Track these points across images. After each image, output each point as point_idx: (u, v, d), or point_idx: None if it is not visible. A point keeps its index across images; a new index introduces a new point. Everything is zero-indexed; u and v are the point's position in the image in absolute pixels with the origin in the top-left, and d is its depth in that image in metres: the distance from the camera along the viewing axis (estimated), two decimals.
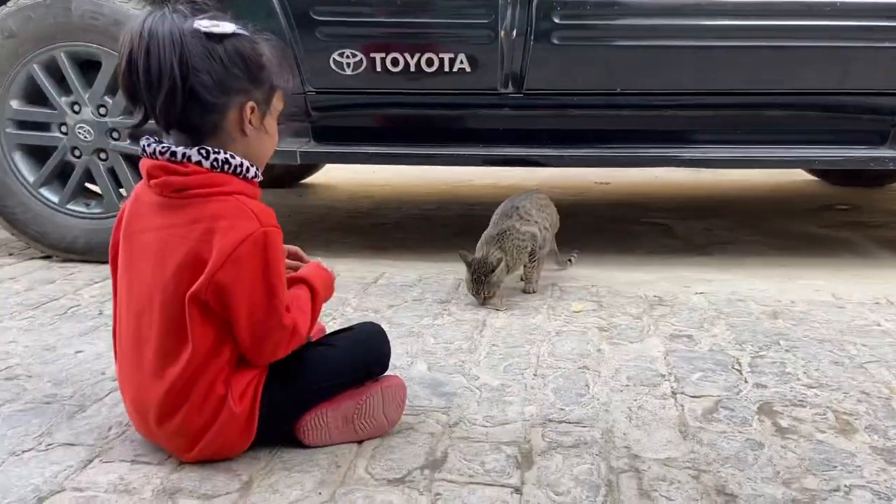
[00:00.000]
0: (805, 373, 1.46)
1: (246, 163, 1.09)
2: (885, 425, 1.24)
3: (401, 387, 1.23)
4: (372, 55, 2.19)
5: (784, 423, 1.25)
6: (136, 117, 1.08)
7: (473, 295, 1.89)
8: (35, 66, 2.18)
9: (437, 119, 2.38)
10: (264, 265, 1.04)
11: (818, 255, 2.46)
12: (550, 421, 1.26)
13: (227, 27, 1.05)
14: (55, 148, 2.24)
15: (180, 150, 1.05)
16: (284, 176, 3.95)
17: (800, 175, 4.16)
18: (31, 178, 2.27)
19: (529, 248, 1.97)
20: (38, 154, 2.28)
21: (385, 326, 1.71)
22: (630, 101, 2.24)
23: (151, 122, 1.08)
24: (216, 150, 1.06)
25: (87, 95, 2.19)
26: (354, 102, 2.32)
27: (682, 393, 1.37)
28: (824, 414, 1.28)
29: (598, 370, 1.48)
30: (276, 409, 1.12)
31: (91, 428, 1.21)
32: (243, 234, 1.02)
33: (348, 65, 2.21)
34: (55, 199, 2.29)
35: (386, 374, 1.25)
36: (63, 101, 2.21)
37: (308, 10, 2.15)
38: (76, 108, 2.21)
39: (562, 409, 1.30)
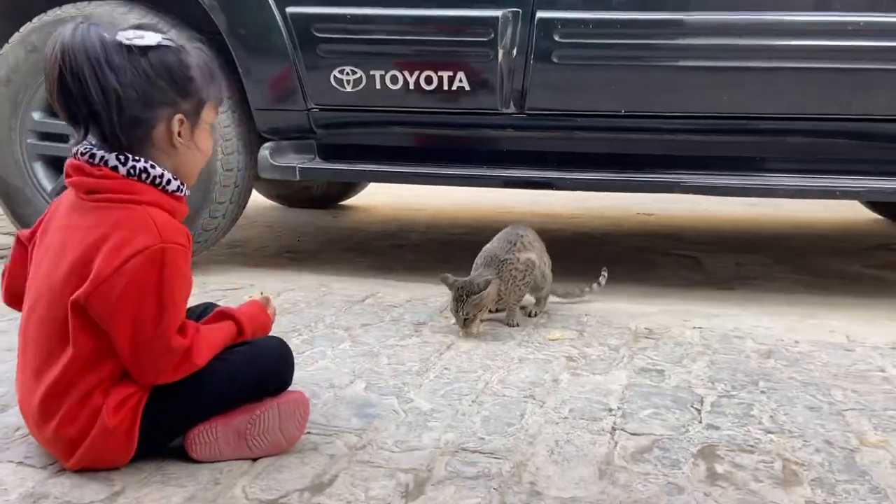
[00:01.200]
0: (771, 417, 1.31)
1: (168, 175, 1.07)
2: (836, 479, 1.08)
3: (301, 402, 1.17)
4: (371, 72, 2.19)
5: (720, 468, 1.12)
6: (78, 134, 1.07)
7: (454, 314, 1.79)
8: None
9: (440, 139, 2.34)
10: (157, 282, 1.00)
11: (851, 296, 2.24)
12: (464, 450, 1.17)
13: (151, 38, 1.05)
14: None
15: (99, 153, 1.04)
16: (323, 197, 4.00)
17: (862, 212, 3.86)
18: (48, 187, 2.37)
19: (527, 279, 1.86)
20: (56, 164, 2.38)
21: (347, 345, 1.70)
22: (636, 123, 2.13)
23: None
24: (136, 157, 1.05)
25: None
26: (356, 120, 2.31)
27: (623, 430, 1.25)
28: (771, 462, 1.13)
29: (543, 400, 1.38)
30: (161, 424, 1.08)
31: (1, 427, 1.21)
32: (138, 247, 1.00)
33: (348, 82, 2.21)
34: None
35: (288, 389, 1.20)
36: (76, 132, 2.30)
37: (309, 27, 2.17)
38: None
39: (481, 439, 1.21)
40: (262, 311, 1.23)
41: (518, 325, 1.86)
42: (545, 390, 1.43)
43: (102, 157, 1.04)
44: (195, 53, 1.11)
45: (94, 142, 1.07)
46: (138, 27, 1.07)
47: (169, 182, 1.07)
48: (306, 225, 3.52)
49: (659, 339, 1.77)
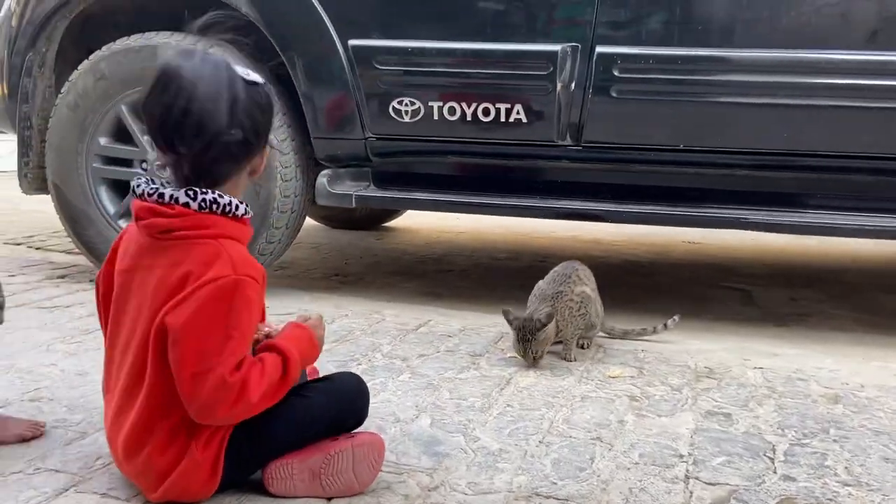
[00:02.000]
0: (846, 468, 1.28)
1: (235, 201, 1.09)
2: None
3: (375, 446, 1.17)
4: (430, 103, 2.21)
5: None
6: (160, 160, 1.09)
7: (520, 355, 1.78)
8: (122, 106, 2.35)
9: (494, 168, 2.36)
10: (225, 313, 1.02)
11: None
12: (537, 495, 1.17)
13: (255, 76, 1.09)
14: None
15: (168, 191, 1.06)
16: (366, 219, 4.04)
17: None
18: (111, 210, 2.43)
19: (583, 311, 1.86)
20: (119, 188, 2.44)
21: (407, 376, 1.71)
22: (694, 158, 2.13)
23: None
24: (204, 190, 1.06)
25: None
26: (413, 149, 2.34)
27: (696, 478, 1.24)
28: None
29: (611, 443, 1.37)
30: (243, 459, 1.10)
31: (81, 456, 1.25)
32: (212, 276, 1.02)
33: (406, 112, 2.24)
34: None
35: (366, 429, 1.21)
36: (145, 139, 2.36)
37: (370, 59, 2.21)
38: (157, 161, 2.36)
39: (554, 483, 1.21)
40: (298, 327, 1.18)
41: (576, 360, 1.85)
42: (612, 432, 1.42)
43: (172, 196, 1.05)
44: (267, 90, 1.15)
45: (157, 179, 1.09)
46: (237, 62, 1.10)
47: (237, 208, 1.09)
48: (351, 247, 3.55)
49: (721, 379, 1.75)
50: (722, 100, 2.06)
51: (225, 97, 1.02)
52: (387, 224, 4.21)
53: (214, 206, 1.07)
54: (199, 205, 1.06)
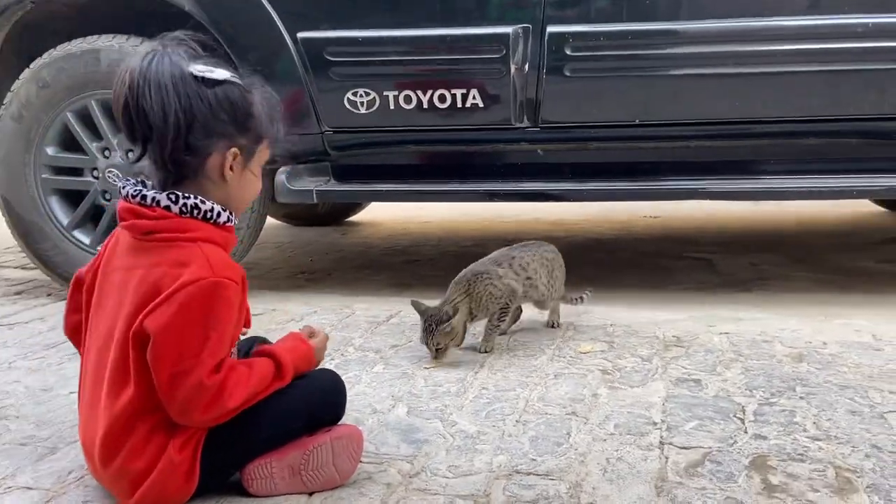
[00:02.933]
0: (815, 423, 1.32)
1: (217, 207, 1.09)
2: (890, 485, 1.09)
3: (353, 437, 1.17)
4: (385, 93, 2.20)
5: (775, 479, 1.13)
6: (136, 152, 1.11)
7: (424, 345, 1.71)
8: (68, 113, 2.29)
9: (454, 155, 2.35)
10: (204, 314, 1.02)
11: (868, 293, 2.27)
12: (517, 472, 1.18)
13: (220, 74, 1.07)
14: (87, 192, 2.34)
15: (150, 193, 1.06)
16: (328, 214, 4.01)
17: (866, 206, 3.89)
18: (64, 221, 2.37)
19: (502, 302, 1.78)
20: (71, 198, 2.38)
21: (380, 368, 1.70)
22: (650, 132, 2.15)
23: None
24: (186, 195, 1.06)
25: (115, 141, 2.28)
26: (370, 141, 2.32)
27: (671, 444, 1.26)
28: (824, 470, 1.15)
29: (586, 417, 1.39)
30: (220, 458, 1.09)
31: (53, 471, 1.22)
32: (191, 278, 1.01)
33: (362, 103, 2.22)
34: (87, 240, 2.38)
35: (342, 423, 1.21)
36: (94, 146, 2.30)
37: (321, 51, 2.18)
38: (106, 153, 2.31)
39: (533, 460, 1.22)
40: (301, 341, 1.21)
41: (491, 352, 1.78)
42: (586, 406, 1.44)
43: (154, 198, 1.06)
44: (260, 94, 1.13)
45: (142, 180, 1.10)
46: (208, 62, 1.08)
47: (219, 215, 1.09)
48: (315, 244, 3.52)
49: (689, 346, 1.78)
50: (673, 72, 2.09)
51: (165, 91, 1.01)
52: (350, 219, 4.19)
53: (195, 212, 1.07)
54: (181, 209, 1.07)
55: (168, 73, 1.02)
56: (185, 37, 1.08)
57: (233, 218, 1.12)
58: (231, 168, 1.10)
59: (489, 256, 1.88)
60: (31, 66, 2.29)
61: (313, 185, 2.33)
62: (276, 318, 2.16)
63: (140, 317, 1.02)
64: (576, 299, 2.03)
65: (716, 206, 4.04)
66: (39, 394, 1.57)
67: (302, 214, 3.97)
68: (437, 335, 1.68)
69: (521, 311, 2.00)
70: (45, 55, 2.27)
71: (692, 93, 2.10)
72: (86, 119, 2.30)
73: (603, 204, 4.19)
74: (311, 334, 1.26)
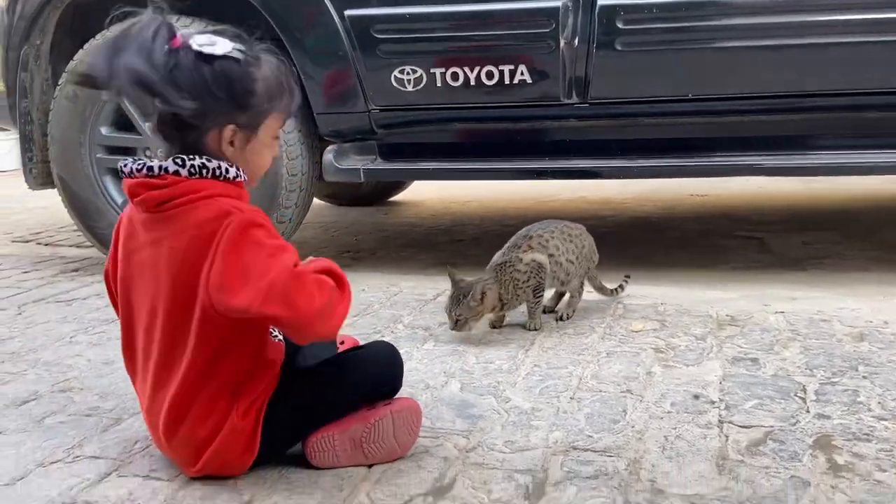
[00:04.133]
0: (879, 403, 1.29)
1: (224, 164, 1.06)
2: None
3: (413, 410, 1.18)
4: (432, 70, 2.18)
5: (840, 459, 1.10)
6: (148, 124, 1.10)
7: (446, 313, 1.70)
8: None
9: (500, 132, 2.33)
10: (255, 243, 1.00)
11: None
12: (574, 448, 1.18)
13: (221, 47, 1.03)
14: None
15: (156, 163, 1.04)
16: (371, 194, 4.02)
17: None
18: (119, 200, 2.42)
19: (532, 282, 1.74)
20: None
21: (431, 345, 1.71)
22: (704, 106, 2.11)
23: None
24: (191, 156, 1.04)
25: None
26: (417, 119, 2.31)
27: (730, 422, 1.25)
28: (891, 450, 1.12)
29: (641, 395, 1.38)
30: (280, 427, 1.11)
31: (119, 441, 1.25)
32: (226, 223, 1.00)
33: (409, 81, 2.21)
34: None
35: (400, 396, 1.21)
36: (147, 126, 2.34)
37: (369, 28, 2.18)
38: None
39: (590, 437, 1.22)
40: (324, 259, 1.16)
41: (539, 329, 1.77)
42: (641, 384, 1.43)
43: (161, 167, 1.04)
44: (268, 67, 1.09)
45: (136, 157, 1.08)
46: (215, 33, 1.05)
47: (227, 171, 1.07)
48: (359, 223, 3.54)
49: (743, 325, 1.75)
50: (727, 45, 2.04)
51: (156, 61, 0.98)
52: (393, 198, 4.20)
53: (204, 171, 1.05)
54: (189, 171, 1.04)
55: (161, 45, 0.99)
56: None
57: (241, 174, 1.09)
58: (231, 143, 1.07)
59: (508, 243, 1.82)
60: (85, 46, 2.33)
61: (360, 163, 2.33)
62: None
63: (201, 293, 1.01)
64: (614, 290, 1.99)
65: (765, 183, 3.94)
66: (101, 367, 1.62)
67: (345, 194, 3.99)
68: (462, 307, 1.67)
69: (565, 293, 1.96)
70: (99, 36, 2.30)
71: (747, 66, 2.04)
72: None
73: (649, 182, 4.13)
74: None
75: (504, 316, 1.82)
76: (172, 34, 1.02)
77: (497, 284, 1.72)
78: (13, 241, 3.23)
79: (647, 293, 2.06)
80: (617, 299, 2.00)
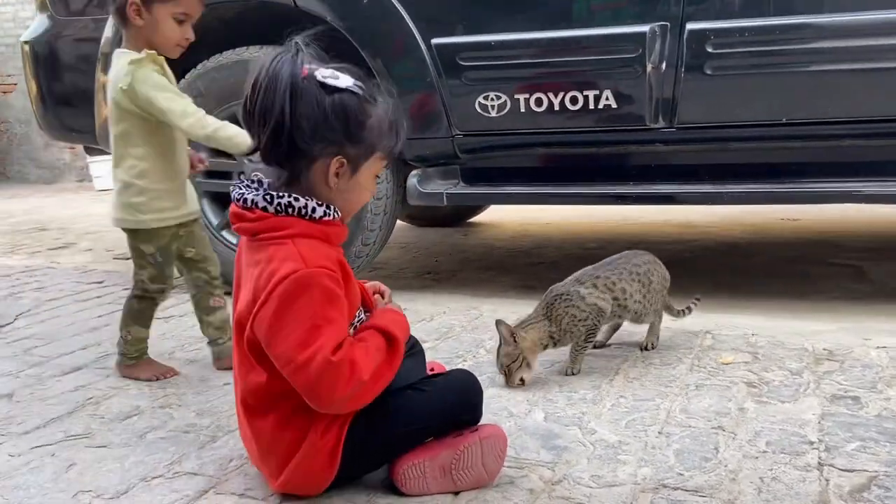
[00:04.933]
0: None
1: (312, 203, 1.10)
2: None
3: (500, 437, 1.18)
4: (515, 96, 2.20)
5: None
6: (251, 147, 1.14)
7: (496, 363, 1.64)
8: None
9: (584, 157, 2.33)
10: (306, 304, 1.04)
11: None
12: (664, 486, 1.15)
13: (343, 81, 1.08)
14: None
15: (250, 196, 1.10)
16: (451, 215, 4.06)
17: None
18: (215, 222, 2.53)
19: (589, 324, 1.65)
20: (221, 200, 2.54)
21: None
22: (799, 131, 2.04)
23: None
24: (280, 194, 1.09)
25: None
26: (500, 143, 2.33)
27: (831, 465, 1.19)
28: None
29: (733, 432, 1.33)
30: (360, 449, 1.13)
31: (216, 459, 1.31)
32: (284, 273, 1.04)
33: (493, 107, 2.23)
34: (234, 240, 2.53)
35: (485, 423, 1.22)
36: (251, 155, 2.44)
37: (454, 56, 2.22)
38: (252, 158, 2.44)
39: (681, 475, 1.18)
40: (391, 311, 1.20)
41: (578, 373, 1.67)
42: (733, 420, 1.38)
43: (253, 201, 1.10)
44: (382, 107, 1.13)
45: (253, 179, 1.14)
46: (338, 69, 1.10)
47: (314, 210, 1.10)
48: (439, 244, 3.58)
49: (843, 361, 1.67)
50: (822, 68, 1.97)
51: (282, 91, 1.03)
52: (471, 220, 4.22)
53: (290, 209, 1.10)
54: (276, 208, 1.09)
55: (288, 73, 1.04)
56: (308, 41, 1.10)
57: (331, 212, 1.12)
58: (337, 175, 1.10)
59: (572, 276, 1.74)
60: (186, 77, 2.46)
61: (443, 187, 2.37)
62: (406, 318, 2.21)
63: (248, 324, 1.07)
64: (681, 311, 1.90)
65: (863, 209, 3.76)
66: (198, 384, 1.69)
67: (425, 215, 4.03)
68: (501, 357, 1.61)
69: (621, 325, 1.89)
70: (199, 66, 2.43)
71: (843, 89, 1.97)
72: (235, 122, 2.44)
73: (736, 206, 3.99)
74: (378, 291, 1.29)
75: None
76: (302, 66, 1.07)
77: (546, 321, 1.64)
78: (114, 259, 3.42)
79: (737, 323, 2.00)
80: (705, 328, 1.95)
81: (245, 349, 1.12)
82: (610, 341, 1.88)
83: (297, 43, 1.09)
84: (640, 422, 1.39)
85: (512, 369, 1.60)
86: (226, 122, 1.67)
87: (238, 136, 1.64)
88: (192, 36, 1.66)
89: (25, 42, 2.76)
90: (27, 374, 1.80)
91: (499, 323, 1.62)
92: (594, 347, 1.83)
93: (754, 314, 2.08)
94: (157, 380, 1.71)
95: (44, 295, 2.64)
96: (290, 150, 1.07)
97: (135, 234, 1.70)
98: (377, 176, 1.20)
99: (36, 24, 2.77)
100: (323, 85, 1.07)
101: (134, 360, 1.74)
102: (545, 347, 1.65)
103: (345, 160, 1.10)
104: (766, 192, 2.09)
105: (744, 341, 1.85)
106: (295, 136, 1.05)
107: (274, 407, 1.12)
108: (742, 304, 2.16)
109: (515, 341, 1.60)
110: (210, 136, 1.64)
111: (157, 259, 1.71)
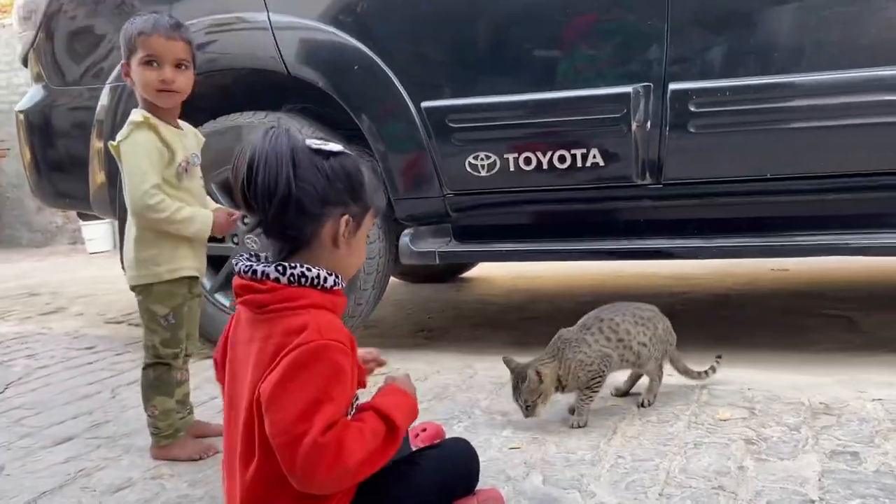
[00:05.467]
0: None
1: (323, 273, 1.11)
2: None
3: (498, 502, 1.17)
4: (505, 156, 2.24)
5: None
6: (251, 223, 1.15)
7: (515, 403, 1.70)
8: (213, 185, 2.47)
9: (573, 214, 2.36)
10: (312, 377, 1.02)
11: None
12: None
13: (334, 146, 1.12)
14: (227, 257, 2.50)
15: (260, 268, 1.10)
16: (443, 271, 4.07)
17: None
18: (208, 285, 2.53)
19: (594, 369, 1.69)
20: (213, 263, 2.54)
21: (510, 432, 1.70)
22: (783, 186, 2.08)
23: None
24: (293, 265, 1.09)
25: None
26: (491, 202, 2.36)
27: None
28: None
29: (734, 492, 1.32)
30: None
31: None
32: (298, 342, 1.03)
33: (483, 166, 2.27)
34: (227, 302, 2.53)
35: (482, 487, 1.21)
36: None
37: (444, 118, 2.26)
38: (245, 220, 2.46)
39: None
40: (403, 394, 1.18)
41: (585, 426, 1.69)
42: (733, 480, 1.37)
43: (264, 272, 1.10)
44: (368, 166, 1.17)
45: (255, 254, 1.14)
46: (319, 139, 1.14)
47: (325, 280, 1.11)
48: (432, 300, 3.58)
49: (839, 415, 1.67)
50: (805, 125, 2.01)
51: (284, 163, 1.05)
52: (463, 275, 4.24)
53: (303, 280, 1.10)
54: (289, 279, 1.09)
55: (286, 145, 1.06)
56: (299, 108, 1.12)
57: (339, 282, 1.14)
58: (344, 235, 1.12)
59: (578, 322, 1.80)
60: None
61: (436, 246, 2.39)
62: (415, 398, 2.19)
63: (260, 383, 1.05)
64: (703, 373, 1.91)
65: (850, 259, 3.80)
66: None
67: (417, 271, 4.05)
68: (525, 392, 1.65)
69: (641, 375, 1.91)
70: (207, 124, 2.46)
71: (826, 145, 2.01)
72: (227, 189, 2.47)
73: (726, 258, 4.03)
74: (394, 380, 1.23)
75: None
76: (293, 138, 1.09)
77: (556, 362, 1.69)
78: (106, 322, 3.40)
79: (732, 377, 2.00)
80: (701, 383, 1.95)
81: (246, 427, 1.08)
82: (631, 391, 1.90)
83: (279, 118, 1.11)
84: (639, 483, 1.38)
85: (536, 404, 1.67)
86: (182, 206, 1.65)
87: (194, 220, 1.64)
88: (169, 77, 1.63)
89: (20, 111, 2.80)
90: (17, 445, 1.77)
91: (511, 364, 1.70)
92: (617, 395, 1.89)
93: (749, 367, 2.08)
94: (200, 459, 1.63)
95: (34, 362, 2.61)
96: (300, 218, 1.09)
97: (148, 293, 1.67)
98: (367, 236, 1.21)
99: (31, 93, 2.82)
100: (318, 151, 1.10)
101: (168, 438, 1.66)
102: (557, 389, 1.71)
103: (350, 218, 1.12)
104: (755, 245, 2.11)
105: (740, 396, 1.85)
106: (304, 202, 1.07)
107: (273, 500, 1.08)
108: (736, 357, 2.16)
109: (540, 381, 1.65)
110: (162, 220, 1.61)
111: (169, 321, 1.66)
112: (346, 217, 1.12)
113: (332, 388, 1.03)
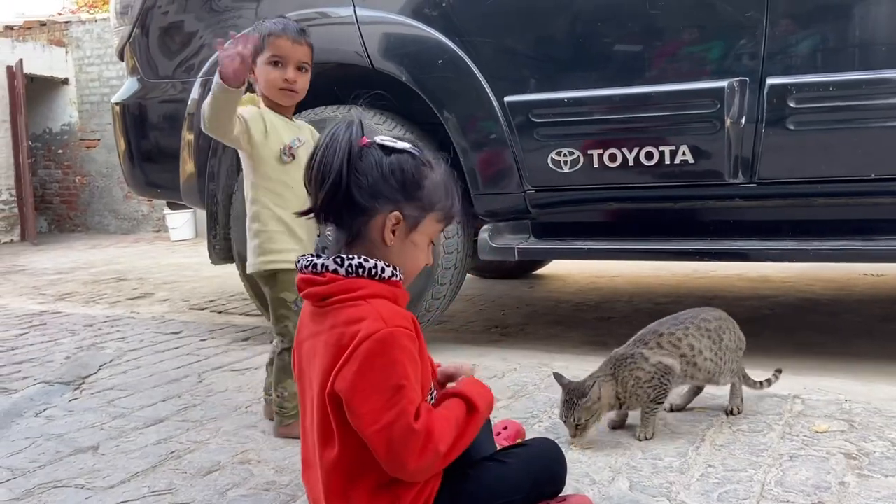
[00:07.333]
0: None
1: (381, 264, 1.11)
2: None
3: None
4: (589, 152, 2.20)
5: None
6: (306, 208, 1.15)
7: (563, 421, 1.58)
8: None
9: (659, 212, 2.29)
10: (388, 364, 1.03)
11: None
12: None
13: (401, 144, 1.13)
14: None
15: (319, 261, 1.11)
16: (516, 267, 4.04)
17: None
18: None
19: (655, 383, 1.59)
20: None
21: (592, 433, 1.65)
22: (888, 187, 1.96)
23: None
24: (350, 256, 1.10)
25: None
26: (572, 199, 2.32)
27: None
28: None
29: None
30: None
31: None
32: (367, 333, 1.03)
33: (566, 163, 2.23)
34: None
35: (569, 492, 1.18)
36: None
37: (527, 113, 2.23)
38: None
39: None
40: (480, 385, 1.18)
41: (651, 438, 1.61)
42: (834, 496, 1.30)
43: (323, 265, 1.10)
44: (438, 170, 1.16)
45: (317, 252, 1.14)
46: (395, 138, 1.14)
47: (383, 270, 1.11)
48: (505, 297, 3.56)
49: None
50: None
51: (341, 151, 1.06)
52: (537, 272, 4.20)
53: (360, 270, 1.10)
54: (346, 270, 1.09)
55: (347, 135, 1.08)
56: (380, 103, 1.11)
57: (397, 273, 1.13)
58: (393, 232, 1.11)
59: (635, 336, 1.68)
60: None
61: (515, 242, 2.36)
62: (476, 374, 2.18)
63: (330, 380, 1.05)
64: (760, 383, 1.79)
65: None
66: (276, 440, 1.70)
67: (490, 267, 4.03)
68: (580, 410, 1.54)
69: (702, 388, 1.80)
70: None
71: None
72: None
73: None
74: (458, 367, 1.24)
75: (626, 416, 1.70)
76: (361, 134, 1.10)
77: (613, 380, 1.59)
78: (190, 309, 3.52)
79: (827, 387, 1.90)
80: (794, 392, 1.86)
81: (319, 418, 1.10)
82: (692, 405, 1.81)
83: (360, 112, 1.11)
84: (733, 494, 1.33)
85: (588, 425, 1.56)
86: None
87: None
88: (292, 77, 1.73)
89: (116, 103, 2.92)
90: (111, 426, 1.84)
91: (563, 380, 1.59)
92: (671, 410, 1.78)
93: (845, 377, 1.98)
94: None
95: (125, 345, 2.72)
96: (347, 206, 1.09)
97: (274, 281, 1.72)
98: (432, 242, 1.19)
99: (126, 86, 2.93)
100: (382, 146, 1.11)
101: (293, 417, 1.69)
102: (611, 408, 1.62)
103: (401, 216, 1.12)
104: (854, 249, 2.01)
105: (837, 407, 1.75)
106: (353, 190, 1.08)
107: (351, 492, 1.08)
108: (831, 366, 2.06)
109: (599, 399, 1.56)
110: (205, 116, 1.64)
111: (299, 305, 1.69)
112: (395, 214, 1.11)
113: (408, 371, 1.04)
